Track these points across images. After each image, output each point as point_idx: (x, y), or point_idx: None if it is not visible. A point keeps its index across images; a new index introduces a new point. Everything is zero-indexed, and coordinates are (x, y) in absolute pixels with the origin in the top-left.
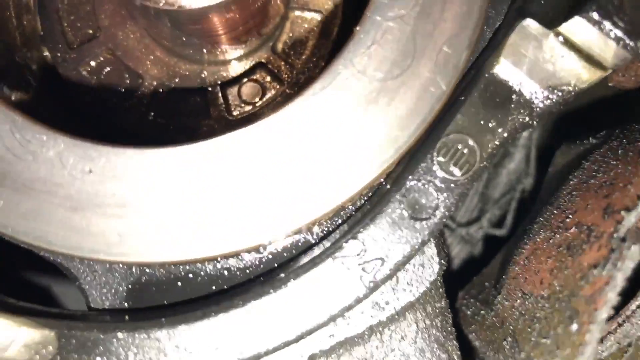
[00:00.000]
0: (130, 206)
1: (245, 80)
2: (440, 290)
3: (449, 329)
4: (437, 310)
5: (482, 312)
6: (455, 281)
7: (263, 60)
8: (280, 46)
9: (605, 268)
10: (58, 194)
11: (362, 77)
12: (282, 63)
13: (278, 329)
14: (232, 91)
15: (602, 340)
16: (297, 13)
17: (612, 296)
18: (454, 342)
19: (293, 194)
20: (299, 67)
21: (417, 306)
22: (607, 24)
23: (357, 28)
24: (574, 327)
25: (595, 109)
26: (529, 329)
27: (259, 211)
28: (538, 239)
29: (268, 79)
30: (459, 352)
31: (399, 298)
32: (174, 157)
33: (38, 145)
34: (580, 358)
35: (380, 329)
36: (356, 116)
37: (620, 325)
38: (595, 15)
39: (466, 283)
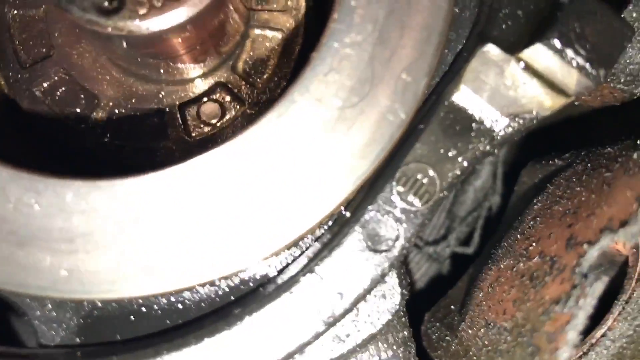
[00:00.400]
0: (78, 241)
1: (204, 100)
2: (403, 319)
3: (412, 359)
4: (399, 341)
5: (447, 337)
6: (423, 300)
7: (223, 80)
8: (240, 65)
9: (566, 305)
10: (2, 229)
11: (319, 105)
12: (243, 83)
13: None
14: (191, 111)
15: None
16: (258, 32)
17: (573, 336)
18: None
19: (248, 228)
20: (260, 87)
21: (379, 337)
22: (569, 52)
23: (313, 54)
24: None
25: (561, 127)
26: None
27: (213, 245)
28: (502, 265)
29: (228, 98)
30: None
31: (359, 330)
32: (125, 188)
33: None
34: None
35: None
36: (314, 145)
37: (585, 354)
38: (557, 43)
39: (434, 302)
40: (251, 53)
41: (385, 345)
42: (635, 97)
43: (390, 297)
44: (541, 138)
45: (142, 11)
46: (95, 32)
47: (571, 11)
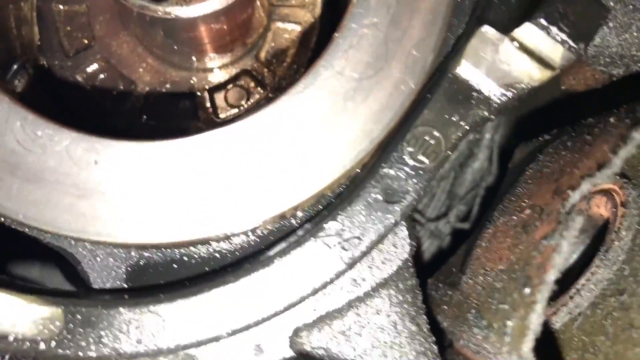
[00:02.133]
0: (132, 194)
1: (231, 85)
2: (411, 270)
3: (419, 304)
4: (408, 287)
5: (449, 292)
6: (426, 273)
7: (247, 68)
8: (263, 55)
9: (553, 238)
10: (66, 183)
11: (340, 77)
12: (265, 70)
13: (267, 302)
14: (219, 96)
15: (555, 313)
16: (279, 25)
17: (559, 261)
18: (424, 316)
19: (278, 182)
20: (281, 74)
21: (390, 283)
22: (554, 29)
23: (336, 34)
24: (527, 290)
25: (550, 110)
26: (489, 300)
27: (249, 197)
28: (498, 223)
29: (252, 84)
30: (428, 326)
31: (374, 275)
32: (174, 149)
33: (47, 139)
34: (532, 315)
35: (357, 303)
36: (335, 111)
37: (571, 298)
38: (543, 21)
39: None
40: (273, 44)
41: (395, 290)
42: (613, 79)
43: (400, 247)
44: (532, 122)
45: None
46: (140, 18)
47: None
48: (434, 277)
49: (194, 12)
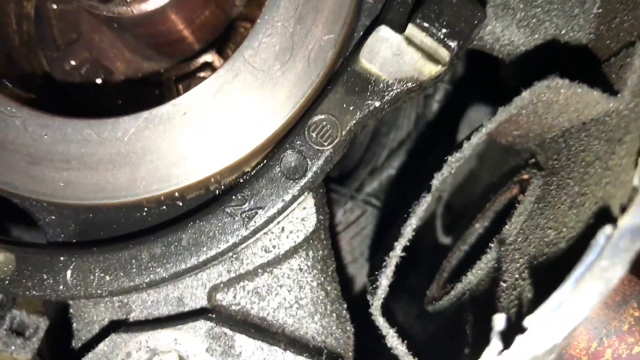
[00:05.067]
0: (73, 161)
1: (194, 76)
2: (324, 242)
3: (331, 273)
4: (318, 257)
5: None
6: None
7: (209, 60)
8: (226, 50)
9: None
10: (21, 151)
11: (251, 68)
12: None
13: (182, 259)
14: (185, 84)
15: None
16: (240, 23)
17: (407, 231)
18: (334, 284)
19: (197, 155)
20: None
21: (300, 252)
22: (432, 29)
23: (250, 30)
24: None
25: None
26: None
27: (175, 164)
28: None
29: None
30: (338, 292)
31: (283, 243)
32: (112, 124)
33: (9, 115)
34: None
35: (269, 268)
36: (249, 96)
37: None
38: (422, 22)
39: None
40: (235, 40)
41: (305, 257)
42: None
43: (308, 220)
44: None
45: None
46: (106, 20)
47: None
48: None
49: (135, 10)
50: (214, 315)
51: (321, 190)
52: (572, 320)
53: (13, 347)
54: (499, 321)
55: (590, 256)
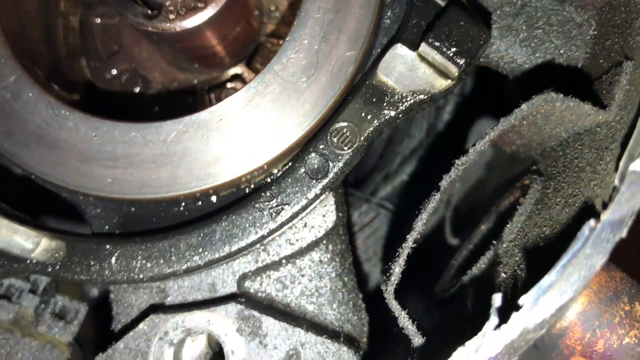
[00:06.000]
0: (120, 160)
1: (225, 87)
2: (343, 237)
3: (348, 266)
4: (337, 251)
5: None
6: None
7: (238, 73)
8: (254, 64)
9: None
10: (73, 150)
11: (280, 80)
12: (253, 75)
13: (216, 249)
14: (216, 94)
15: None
16: (268, 39)
17: (417, 225)
18: (352, 275)
19: (229, 157)
20: None
21: (321, 245)
22: (443, 48)
23: (279, 45)
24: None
25: None
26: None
27: (211, 165)
28: None
29: (241, 86)
30: (354, 283)
31: (305, 237)
32: (156, 128)
33: (63, 118)
34: (395, 265)
35: (293, 259)
36: (278, 105)
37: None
38: (434, 42)
39: None
40: (263, 55)
41: (325, 250)
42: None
43: (329, 216)
44: None
45: (172, 17)
46: (148, 34)
47: (444, 19)
48: None
49: (177, 27)
50: (243, 300)
51: (340, 191)
52: (559, 299)
53: (56, 329)
54: (497, 299)
55: (576, 245)
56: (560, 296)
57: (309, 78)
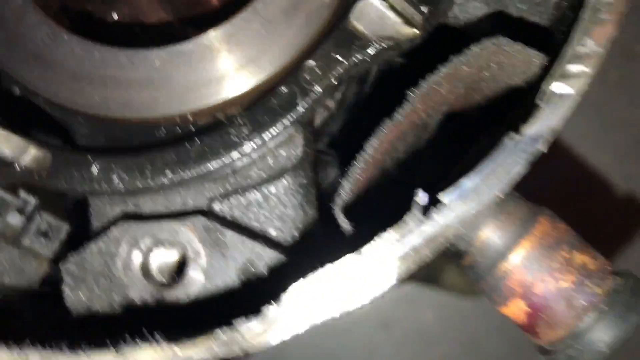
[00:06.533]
0: (108, 82)
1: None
2: (308, 172)
3: (312, 199)
4: (302, 184)
5: None
6: None
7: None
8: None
9: None
10: (68, 70)
11: (260, 18)
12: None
13: (189, 168)
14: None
15: None
16: None
17: None
18: (315, 209)
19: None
20: None
21: (287, 176)
22: None
23: None
24: None
25: None
26: None
27: (191, 91)
28: None
29: None
30: (316, 215)
31: (273, 167)
32: (144, 54)
33: (61, 40)
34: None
35: (259, 186)
36: (256, 42)
37: None
38: None
39: None
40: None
41: (291, 182)
42: None
43: (296, 151)
44: None
45: None
46: None
47: None
48: None
49: None
50: (210, 216)
51: (310, 130)
52: (477, 200)
53: (38, 245)
54: (420, 195)
55: (496, 153)
56: (478, 197)
57: (288, 19)
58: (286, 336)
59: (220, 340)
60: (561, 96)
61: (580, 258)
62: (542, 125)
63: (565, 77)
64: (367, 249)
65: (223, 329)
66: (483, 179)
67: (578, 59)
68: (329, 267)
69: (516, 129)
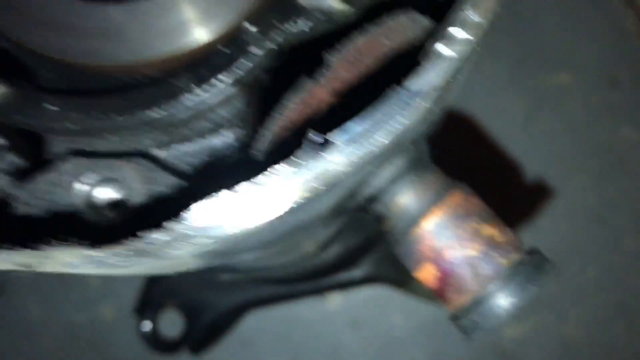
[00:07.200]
0: (72, 31)
1: None
2: (252, 130)
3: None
4: (244, 140)
5: None
6: None
7: None
8: None
9: None
10: (38, 17)
11: None
12: None
13: (138, 113)
14: None
15: None
16: None
17: None
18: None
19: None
20: None
21: (224, 132)
22: None
23: None
24: None
25: None
26: None
27: (144, 47)
28: None
29: None
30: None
31: (216, 121)
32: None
33: None
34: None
35: (199, 139)
36: (202, 5)
37: None
38: None
39: None
40: None
41: (232, 139)
42: None
43: (239, 108)
44: None
45: None
46: None
47: None
48: None
49: None
50: (153, 159)
51: (250, 91)
52: (363, 145)
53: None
54: (311, 134)
55: (380, 103)
56: (367, 140)
57: None
58: (188, 248)
59: (126, 246)
60: (441, 56)
61: (488, 230)
62: (423, 81)
63: (447, 39)
64: (260, 178)
65: (129, 239)
66: (370, 126)
67: (461, 25)
68: (225, 192)
69: (400, 84)
